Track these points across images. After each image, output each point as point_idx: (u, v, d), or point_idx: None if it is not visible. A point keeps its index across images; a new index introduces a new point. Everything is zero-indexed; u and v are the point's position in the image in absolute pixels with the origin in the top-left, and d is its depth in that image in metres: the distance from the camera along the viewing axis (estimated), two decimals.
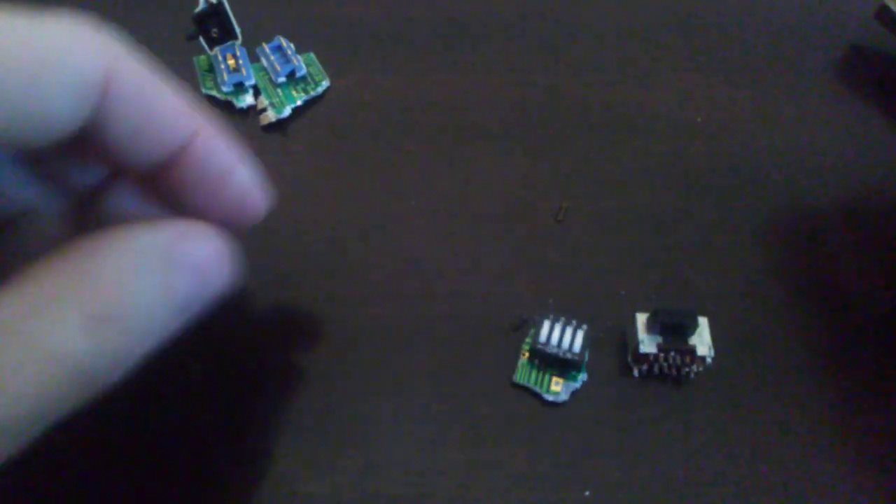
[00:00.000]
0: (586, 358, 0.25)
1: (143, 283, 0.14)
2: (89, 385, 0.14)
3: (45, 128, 0.14)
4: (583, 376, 0.25)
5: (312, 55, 0.36)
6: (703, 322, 0.25)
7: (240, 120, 0.34)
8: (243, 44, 0.35)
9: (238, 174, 0.17)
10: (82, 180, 0.18)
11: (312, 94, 0.34)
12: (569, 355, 0.24)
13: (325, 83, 0.34)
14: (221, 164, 0.17)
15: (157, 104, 0.16)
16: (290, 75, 0.34)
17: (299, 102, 0.34)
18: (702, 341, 0.24)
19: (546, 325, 0.25)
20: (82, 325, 0.13)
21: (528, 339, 0.25)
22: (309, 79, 0.34)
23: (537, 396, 0.25)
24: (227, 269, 0.17)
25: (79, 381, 0.14)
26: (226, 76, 0.33)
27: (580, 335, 0.24)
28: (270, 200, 0.18)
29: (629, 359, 0.25)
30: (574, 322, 0.25)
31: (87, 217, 0.18)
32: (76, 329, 0.13)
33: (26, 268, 0.14)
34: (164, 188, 0.17)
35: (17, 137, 0.13)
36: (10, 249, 0.17)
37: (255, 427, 0.24)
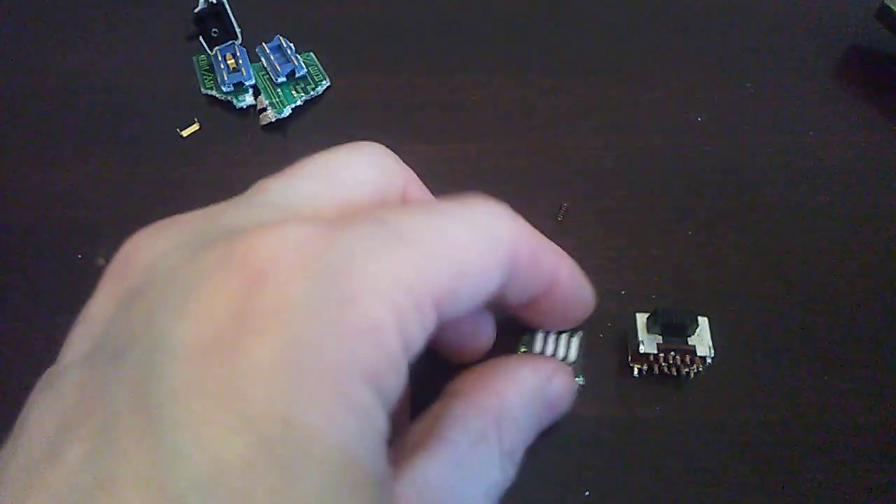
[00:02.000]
0: (581, 361, 0.24)
1: (530, 420, 0.18)
2: None
3: (481, 296, 0.16)
4: (580, 380, 0.24)
5: (312, 55, 0.36)
6: (703, 322, 0.24)
7: (240, 120, 0.34)
8: (243, 43, 0.35)
9: (583, 298, 0.20)
10: None
11: (312, 94, 0.34)
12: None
13: (325, 83, 0.34)
14: (573, 293, 0.20)
15: (540, 259, 0.18)
16: (290, 75, 0.34)
17: (299, 102, 0.34)
18: (702, 341, 0.24)
19: (539, 337, 0.23)
20: (500, 461, 0.17)
21: (522, 349, 0.25)
22: (309, 79, 0.34)
23: None
24: (572, 394, 0.21)
25: None
26: (226, 76, 0.33)
27: (574, 343, 0.23)
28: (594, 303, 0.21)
29: (629, 359, 0.25)
30: (568, 330, 0.24)
31: None
32: (497, 464, 0.17)
33: (450, 400, 0.18)
34: (520, 309, 0.20)
35: (466, 306, 0.16)
36: None
37: None
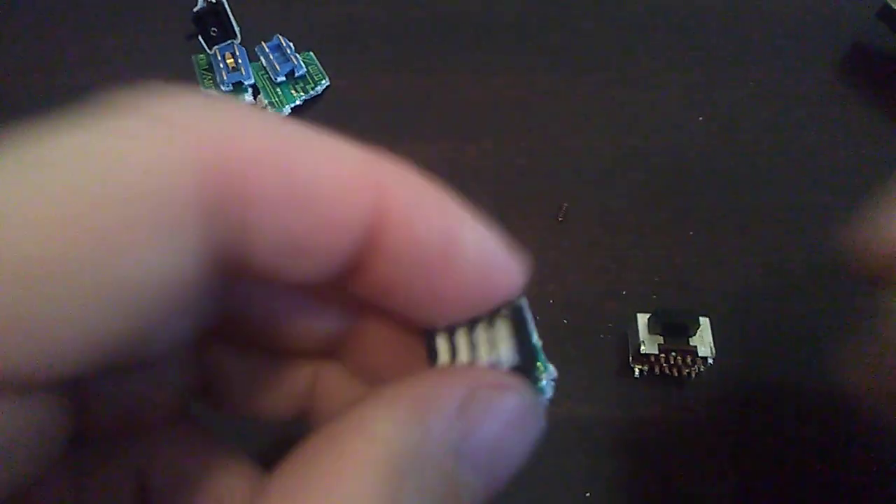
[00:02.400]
0: (535, 353, 0.13)
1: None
2: None
3: (175, 286, 0.09)
4: (542, 384, 0.13)
5: (312, 55, 0.36)
6: (704, 322, 0.24)
7: None
8: (242, 43, 0.35)
9: (464, 243, 0.12)
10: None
11: (312, 93, 0.34)
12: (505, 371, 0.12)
13: (325, 83, 0.34)
14: (432, 238, 0.11)
15: (296, 172, 0.10)
16: (290, 74, 0.34)
17: (299, 102, 0.33)
18: (703, 342, 0.24)
19: (444, 340, 0.13)
20: None
21: (433, 363, 0.14)
22: (308, 78, 0.34)
23: None
24: (533, 427, 0.11)
25: None
26: (225, 75, 0.33)
27: (504, 331, 0.13)
28: (522, 266, 0.13)
29: (630, 359, 0.25)
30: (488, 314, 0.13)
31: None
32: None
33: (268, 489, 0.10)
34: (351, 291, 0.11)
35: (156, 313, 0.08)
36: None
37: None
